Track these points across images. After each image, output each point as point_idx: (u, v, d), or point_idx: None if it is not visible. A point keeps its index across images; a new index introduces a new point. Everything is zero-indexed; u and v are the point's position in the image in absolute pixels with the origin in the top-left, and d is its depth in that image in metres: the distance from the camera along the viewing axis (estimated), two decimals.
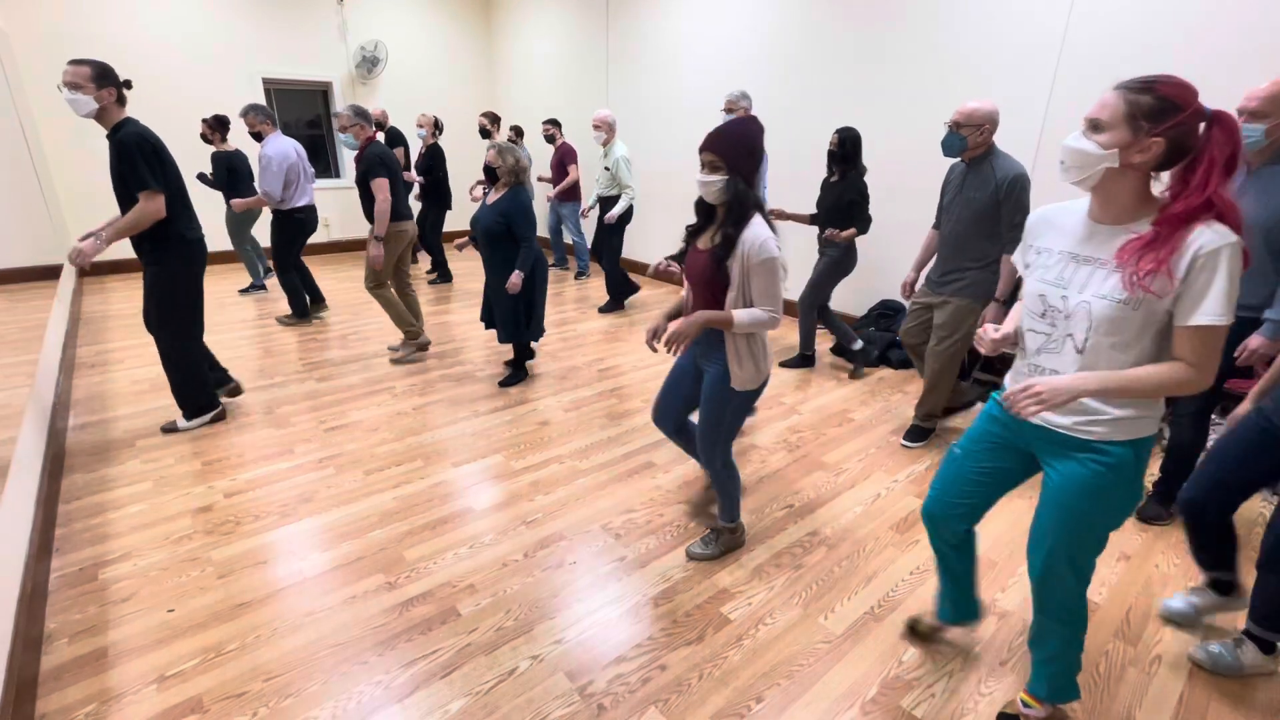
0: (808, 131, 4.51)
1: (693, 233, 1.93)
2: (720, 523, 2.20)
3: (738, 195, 1.74)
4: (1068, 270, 1.25)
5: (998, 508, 2.51)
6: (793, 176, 4.58)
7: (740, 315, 1.77)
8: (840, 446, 2.99)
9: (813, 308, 3.82)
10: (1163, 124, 1.08)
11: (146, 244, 2.73)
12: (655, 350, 2.01)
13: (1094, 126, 1.15)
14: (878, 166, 4.05)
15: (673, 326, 1.82)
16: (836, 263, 3.66)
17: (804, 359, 3.97)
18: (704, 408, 2.00)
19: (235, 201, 4.63)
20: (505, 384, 3.61)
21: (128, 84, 2.70)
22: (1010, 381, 1.42)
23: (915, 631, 1.83)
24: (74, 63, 2.53)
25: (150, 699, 1.59)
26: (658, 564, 2.14)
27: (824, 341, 4.39)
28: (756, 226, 1.76)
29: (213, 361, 3.22)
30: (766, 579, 2.08)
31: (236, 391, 3.32)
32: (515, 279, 3.24)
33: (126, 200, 2.66)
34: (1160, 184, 1.19)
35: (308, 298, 4.80)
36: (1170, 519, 2.41)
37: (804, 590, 2.03)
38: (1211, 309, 1.09)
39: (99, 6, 5.45)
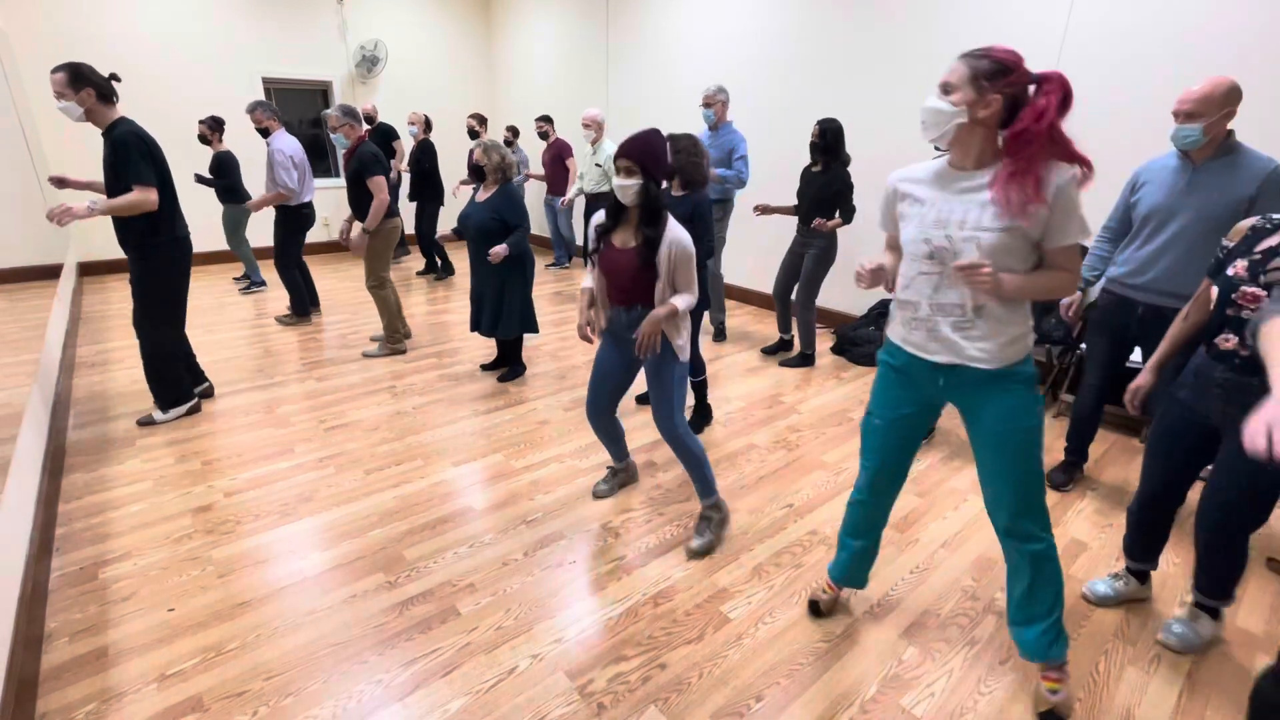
0: (806, 131, 4.50)
1: (604, 231, 2.09)
2: (702, 504, 2.27)
3: (651, 198, 1.94)
4: (944, 212, 1.39)
5: None
6: (791, 174, 4.56)
7: (679, 303, 2.03)
8: (840, 446, 2.99)
9: (810, 304, 3.84)
10: (998, 82, 1.27)
11: (134, 241, 2.78)
12: (591, 342, 2.22)
13: (945, 89, 1.33)
14: (877, 166, 4.04)
15: (642, 332, 2.01)
16: (825, 254, 3.71)
17: (804, 358, 3.98)
18: (654, 386, 2.15)
19: (252, 202, 4.49)
20: (504, 379, 3.65)
21: (115, 77, 2.72)
22: (901, 332, 1.54)
23: (818, 611, 1.91)
24: (52, 72, 2.57)
25: (151, 698, 1.59)
26: (657, 563, 2.14)
27: (823, 340, 4.40)
28: (675, 229, 2.00)
29: (191, 361, 3.27)
30: (766, 578, 2.08)
31: (208, 393, 3.36)
32: (500, 249, 3.25)
33: (118, 194, 2.69)
34: None
35: (311, 298, 4.82)
36: (1072, 483, 2.67)
37: (804, 589, 2.03)
38: (1077, 230, 1.32)
39: (98, 6, 5.44)
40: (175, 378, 3.09)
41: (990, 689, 1.68)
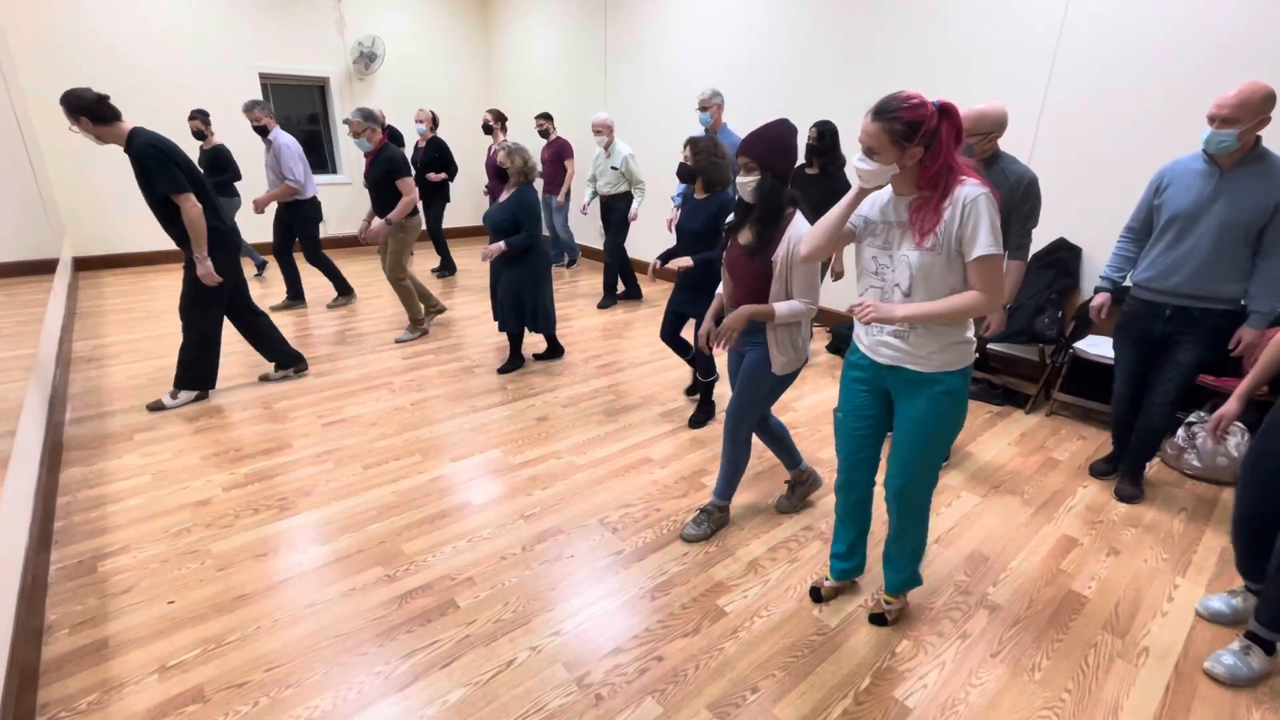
0: (803, 132, 4.52)
1: (731, 228, 2.04)
2: (712, 500, 2.30)
3: (768, 193, 1.88)
4: (890, 235, 1.53)
5: (991, 504, 2.55)
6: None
7: (781, 308, 1.92)
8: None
9: None
10: (915, 138, 1.37)
11: (186, 240, 2.91)
12: (708, 352, 2.16)
13: (869, 152, 1.42)
14: None
15: (725, 324, 1.98)
16: None
17: None
18: (741, 384, 2.11)
19: (258, 199, 4.41)
20: (504, 371, 3.73)
21: (104, 98, 2.72)
22: (860, 335, 1.71)
23: (819, 596, 1.99)
24: (60, 104, 2.62)
25: (152, 688, 1.61)
26: (654, 557, 2.16)
27: (820, 339, 4.42)
28: (800, 225, 1.89)
29: (280, 338, 3.48)
30: (762, 572, 2.11)
31: (303, 369, 3.61)
32: (492, 248, 3.35)
33: (156, 206, 2.80)
34: None
35: (291, 290, 4.89)
36: (1142, 496, 2.60)
37: (799, 583, 2.05)
38: (984, 242, 1.38)
39: (95, 1, 5.41)
40: (206, 365, 3.21)
41: (981, 680, 1.70)
